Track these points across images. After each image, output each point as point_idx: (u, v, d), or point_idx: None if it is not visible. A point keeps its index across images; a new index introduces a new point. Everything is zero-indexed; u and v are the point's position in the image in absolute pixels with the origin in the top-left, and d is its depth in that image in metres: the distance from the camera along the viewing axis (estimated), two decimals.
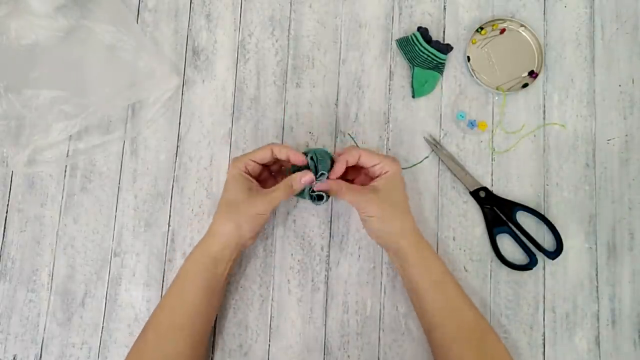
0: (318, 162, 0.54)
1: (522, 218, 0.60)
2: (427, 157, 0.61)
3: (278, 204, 0.53)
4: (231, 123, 0.63)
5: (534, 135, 0.62)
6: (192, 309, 0.52)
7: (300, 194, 0.56)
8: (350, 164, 0.54)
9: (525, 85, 0.62)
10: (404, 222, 0.53)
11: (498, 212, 0.59)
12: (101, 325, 0.59)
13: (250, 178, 0.54)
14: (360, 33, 0.64)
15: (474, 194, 0.60)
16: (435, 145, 0.61)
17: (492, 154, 0.61)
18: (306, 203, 0.60)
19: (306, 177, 0.53)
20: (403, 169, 0.61)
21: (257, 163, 0.54)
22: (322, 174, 0.53)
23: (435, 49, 0.61)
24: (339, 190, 0.53)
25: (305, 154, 0.55)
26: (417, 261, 0.53)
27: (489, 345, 0.51)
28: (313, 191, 0.55)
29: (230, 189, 0.53)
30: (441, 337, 0.51)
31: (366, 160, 0.54)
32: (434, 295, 0.52)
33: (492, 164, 0.61)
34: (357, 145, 0.61)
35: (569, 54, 0.63)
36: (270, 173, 0.59)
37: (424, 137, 0.62)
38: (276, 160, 0.56)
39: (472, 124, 0.61)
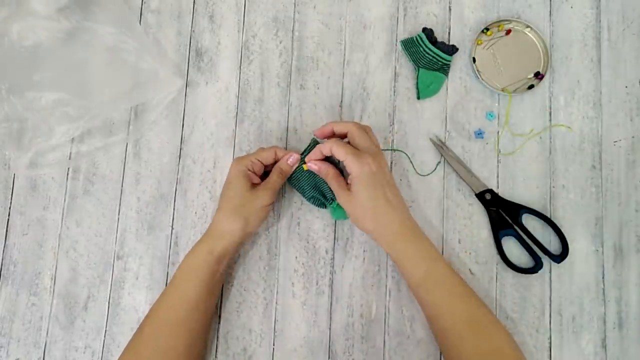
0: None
1: (528, 221, 0.59)
2: (439, 162, 0.61)
3: (278, 188, 0.56)
4: (235, 125, 0.62)
5: (540, 137, 0.61)
6: (191, 305, 0.52)
7: (307, 197, 0.58)
8: (325, 154, 0.54)
9: (531, 87, 0.61)
10: (377, 224, 0.53)
11: (504, 215, 0.59)
12: (104, 329, 0.59)
13: (254, 176, 0.55)
14: (365, 34, 0.64)
15: (480, 196, 0.59)
16: (441, 146, 0.61)
17: (497, 155, 0.61)
18: (310, 205, 0.60)
19: (292, 158, 0.56)
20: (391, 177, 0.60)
21: (262, 163, 0.56)
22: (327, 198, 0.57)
23: (441, 50, 0.60)
24: (326, 176, 0.55)
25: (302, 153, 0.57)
26: (399, 262, 0.54)
27: (487, 335, 0.51)
28: (315, 198, 0.58)
29: (232, 188, 0.54)
30: (437, 328, 0.53)
31: (335, 155, 0.53)
32: (421, 294, 0.53)
33: (497, 165, 0.61)
34: None
35: (575, 55, 0.63)
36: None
37: (430, 139, 0.61)
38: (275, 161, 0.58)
39: (479, 134, 0.61)
